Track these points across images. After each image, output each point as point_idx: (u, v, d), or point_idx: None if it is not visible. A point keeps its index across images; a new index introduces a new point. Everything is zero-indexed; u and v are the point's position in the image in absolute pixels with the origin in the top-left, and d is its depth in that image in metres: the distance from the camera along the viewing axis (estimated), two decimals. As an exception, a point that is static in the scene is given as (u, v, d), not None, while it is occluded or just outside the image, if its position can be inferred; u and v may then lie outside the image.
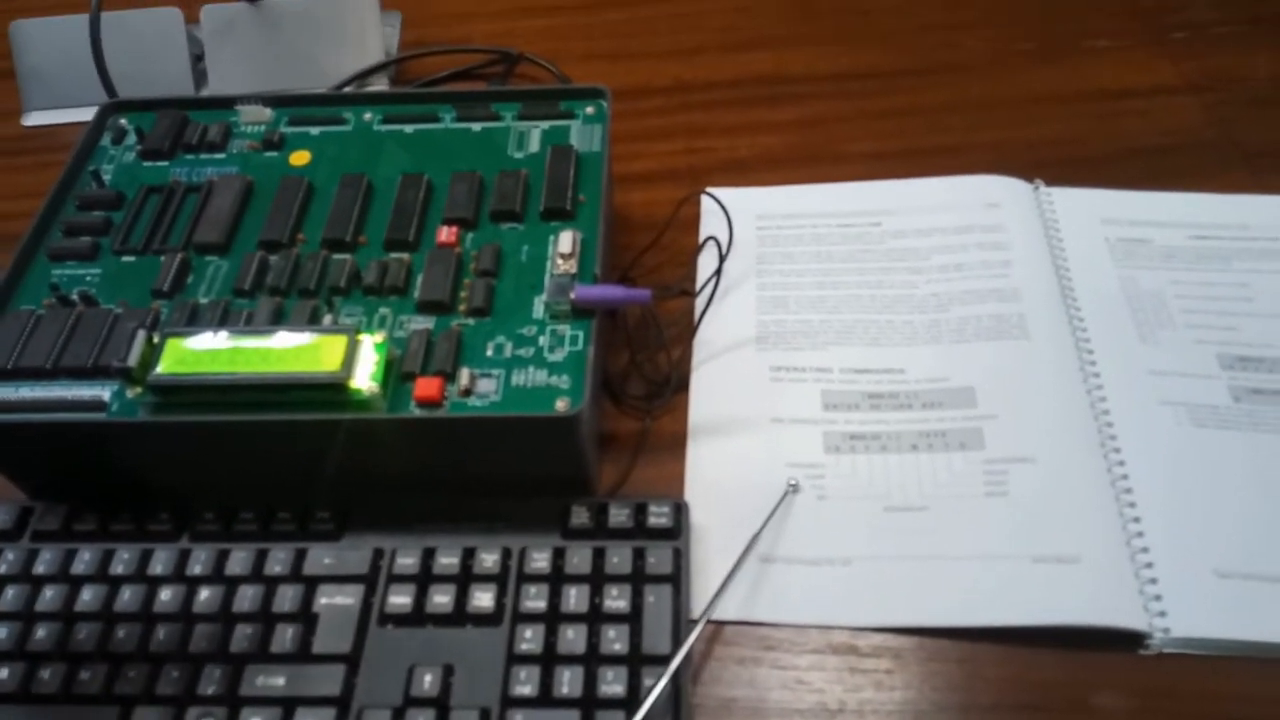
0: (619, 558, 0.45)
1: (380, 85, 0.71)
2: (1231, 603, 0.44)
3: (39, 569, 0.46)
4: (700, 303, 0.56)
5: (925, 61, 0.72)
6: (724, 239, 0.57)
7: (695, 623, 0.43)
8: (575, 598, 0.44)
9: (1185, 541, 0.46)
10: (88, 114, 0.57)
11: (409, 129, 0.56)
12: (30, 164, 0.70)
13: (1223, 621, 0.43)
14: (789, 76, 0.72)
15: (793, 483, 0.49)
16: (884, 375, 0.53)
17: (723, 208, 0.58)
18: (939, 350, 0.54)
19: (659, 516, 0.46)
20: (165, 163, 0.55)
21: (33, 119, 0.73)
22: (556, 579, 0.45)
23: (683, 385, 0.54)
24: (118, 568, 0.45)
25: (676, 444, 0.52)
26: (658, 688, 0.40)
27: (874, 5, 0.77)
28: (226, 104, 0.57)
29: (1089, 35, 0.72)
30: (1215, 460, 0.49)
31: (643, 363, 0.55)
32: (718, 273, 0.55)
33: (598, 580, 0.44)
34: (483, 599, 0.44)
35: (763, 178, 0.65)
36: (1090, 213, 0.60)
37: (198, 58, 0.71)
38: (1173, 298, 0.56)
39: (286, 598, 0.44)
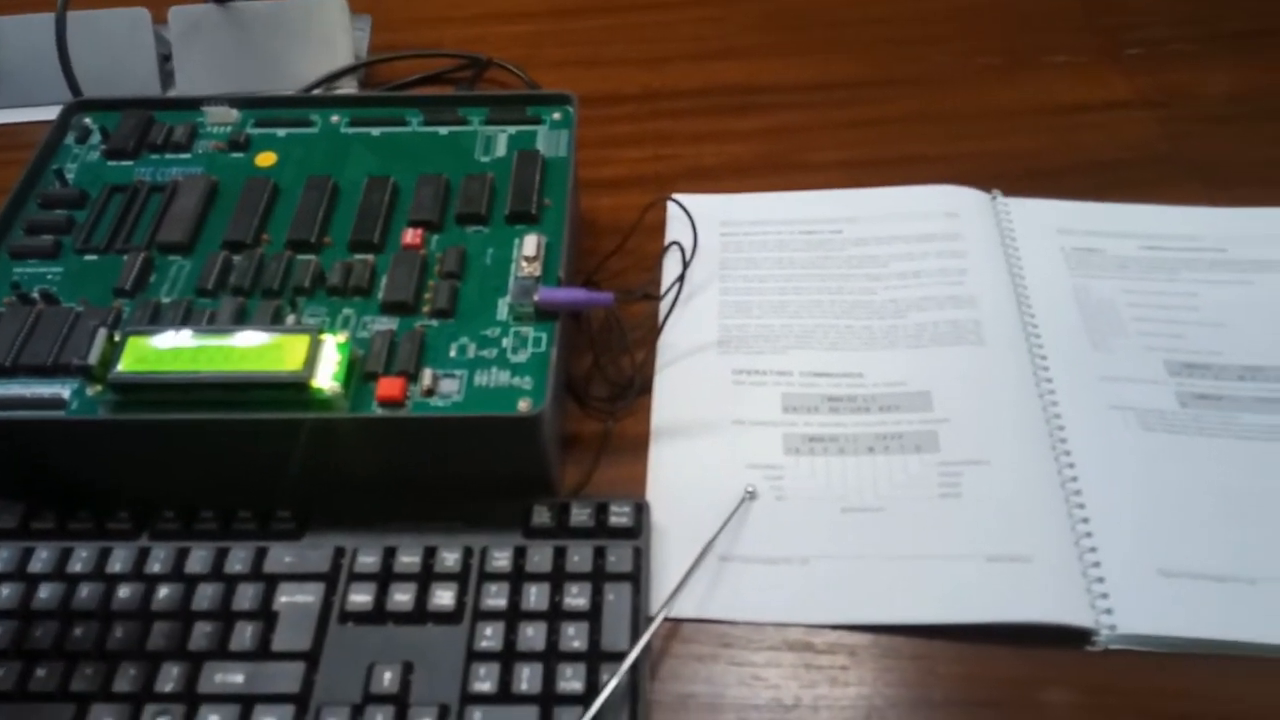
0: (579, 556, 0.46)
1: (349, 89, 0.71)
2: (1175, 601, 0.45)
3: (-5, 567, 0.45)
4: (664, 307, 0.57)
5: (890, 74, 0.73)
6: (689, 245, 0.58)
7: (653, 620, 0.44)
8: (536, 596, 0.44)
9: (1132, 542, 0.47)
10: (52, 113, 0.57)
11: (375, 132, 0.56)
12: (-7, 162, 0.70)
13: (1166, 619, 0.45)
14: (757, 86, 0.73)
15: (750, 489, 0.49)
16: (843, 379, 0.54)
17: (687, 214, 0.59)
18: (897, 355, 0.55)
19: (620, 516, 0.47)
20: (130, 162, 0.55)
21: (-3, 117, 0.72)
22: (517, 577, 0.45)
23: (646, 388, 0.55)
24: (75, 566, 0.45)
25: (639, 445, 0.53)
26: (613, 681, 0.40)
27: (841, 18, 0.78)
28: (192, 105, 0.57)
29: (1049, 50, 0.74)
30: (1162, 463, 0.50)
31: (606, 366, 0.56)
32: (681, 278, 0.56)
33: (558, 579, 0.45)
34: (443, 597, 0.44)
35: (729, 185, 0.66)
36: (1046, 223, 0.62)
37: (165, 58, 0.71)
38: (1124, 306, 0.57)
39: (246, 596, 0.44)
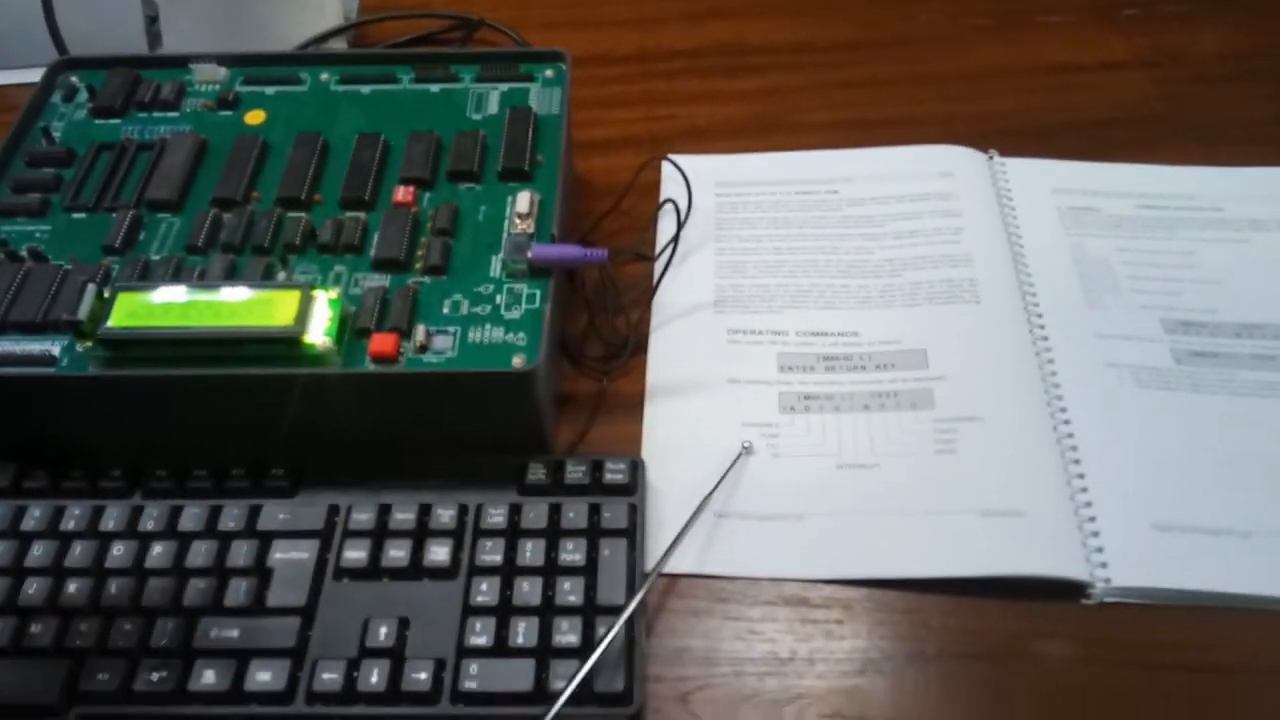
0: (575, 513, 0.45)
1: (339, 50, 0.70)
2: (1169, 554, 0.45)
3: (-13, 526, 0.45)
4: (659, 267, 0.57)
5: (883, 34, 0.73)
6: (683, 205, 0.58)
7: (649, 575, 0.44)
8: (531, 551, 0.44)
9: (1127, 496, 0.47)
10: (37, 75, 0.56)
11: (366, 89, 0.56)
12: (-22, 125, 0.69)
13: (1160, 572, 0.45)
14: (749, 47, 0.72)
15: (746, 444, 0.49)
16: (838, 338, 0.54)
17: (682, 174, 0.59)
18: (892, 314, 0.55)
19: (615, 473, 0.47)
20: (117, 120, 0.54)
21: (-19, 80, 0.71)
22: (512, 534, 0.45)
23: (641, 347, 0.55)
24: (69, 524, 0.45)
25: (634, 405, 0.52)
26: (610, 634, 0.40)
27: (834, -22, 0.78)
28: (180, 63, 0.56)
29: (1042, 11, 0.74)
30: (1156, 419, 0.50)
31: (601, 325, 0.55)
32: (676, 237, 0.56)
33: (553, 535, 0.45)
34: (438, 553, 0.44)
35: (722, 146, 0.65)
36: (1042, 182, 0.61)
37: (152, 19, 0.70)
38: (1119, 264, 0.57)
39: (240, 552, 0.44)
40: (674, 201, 0.55)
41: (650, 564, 0.45)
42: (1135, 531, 0.46)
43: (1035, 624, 0.45)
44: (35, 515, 0.45)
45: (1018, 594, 0.45)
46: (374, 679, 0.41)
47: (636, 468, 0.47)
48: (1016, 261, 0.57)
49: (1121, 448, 0.49)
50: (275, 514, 0.45)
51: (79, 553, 0.44)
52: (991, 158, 0.63)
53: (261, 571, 0.44)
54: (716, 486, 0.47)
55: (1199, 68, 0.69)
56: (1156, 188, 0.61)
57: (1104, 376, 0.52)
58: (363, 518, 0.45)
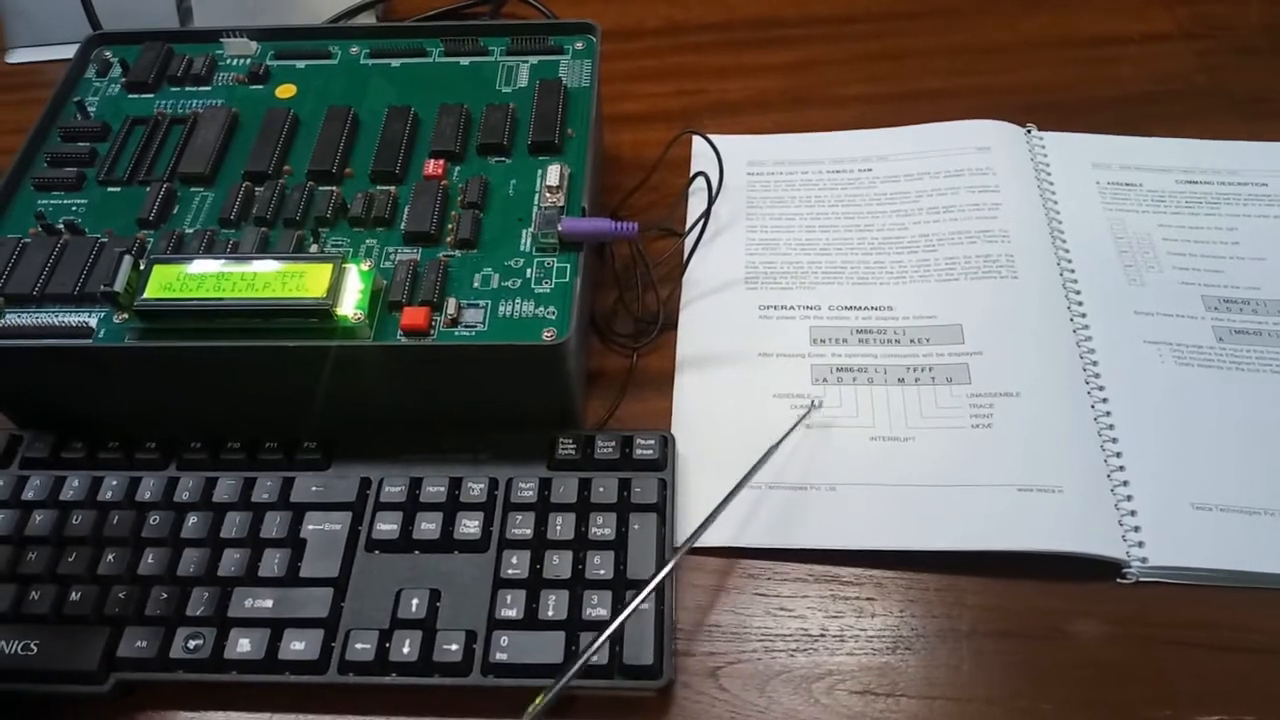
0: (605, 488, 0.45)
1: (367, 23, 0.70)
2: (1207, 533, 0.45)
3: (28, 495, 0.46)
4: (689, 244, 0.56)
5: (917, 6, 0.71)
6: (714, 179, 0.57)
7: (679, 549, 0.43)
8: (561, 525, 0.44)
9: (1164, 475, 0.46)
10: (71, 52, 0.57)
11: (395, 63, 0.55)
12: (12, 101, 0.69)
13: (1198, 551, 0.44)
14: (781, 20, 0.71)
15: (817, 401, 0.49)
16: (872, 312, 0.53)
17: (714, 148, 0.58)
18: (927, 289, 0.54)
19: (645, 449, 0.47)
20: (150, 95, 0.54)
21: (16, 56, 0.72)
22: (543, 508, 0.45)
23: (670, 324, 0.54)
24: (106, 494, 0.46)
25: (663, 381, 0.52)
26: (636, 600, 0.40)
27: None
28: (211, 37, 0.56)
29: (1083, -19, 0.72)
30: (1196, 397, 0.49)
31: (630, 301, 0.55)
32: (707, 213, 0.55)
33: (584, 509, 0.45)
34: (469, 526, 0.44)
35: (753, 120, 0.64)
36: (1081, 157, 0.60)
37: (182, -4, 0.70)
38: (1160, 240, 0.56)
39: (274, 524, 0.45)
40: (706, 175, 0.55)
41: (680, 539, 0.45)
42: (1172, 510, 0.45)
43: (1069, 602, 0.44)
44: (74, 486, 0.46)
45: (1051, 572, 0.44)
46: (406, 649, 0.41)
47: (667, 443, 0.47)
48: (1055, 237, 0.56)
49: (1159, 425, 0.48)
50: (308, 486, 0.46)
51: (116, 522, 0.45)
52: (1029, 132, 0.61)
53: (295, 542, 0.44)
54: (781, 441, 0.47)
55: (1244, 39, 0.67)
56: (1199, 163, 0.60)
57: (1143, 353, 0.51)
58: (394, 490, 0.45)
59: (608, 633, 0.39)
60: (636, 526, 0.44)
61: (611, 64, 0.59)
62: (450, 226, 0.48)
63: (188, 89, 0.55)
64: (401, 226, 0.48)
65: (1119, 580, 0.44)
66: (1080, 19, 0.69)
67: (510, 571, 0.43)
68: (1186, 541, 0.45)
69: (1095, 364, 0.50)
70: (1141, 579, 0.44)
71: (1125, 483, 0.46)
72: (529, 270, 0.47)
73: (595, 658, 0.40)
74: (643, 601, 0.41)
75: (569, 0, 0.72)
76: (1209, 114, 0.63)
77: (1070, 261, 0.55)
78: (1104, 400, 0.49)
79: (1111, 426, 0.48)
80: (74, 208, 0.50)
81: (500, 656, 0.41)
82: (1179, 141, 0.61)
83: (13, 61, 0.72)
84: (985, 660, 0.43)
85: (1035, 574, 0.45)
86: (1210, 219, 0.57)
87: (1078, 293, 0.53)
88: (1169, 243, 0.56)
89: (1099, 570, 0.44)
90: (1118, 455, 0.47)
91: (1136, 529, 0.45)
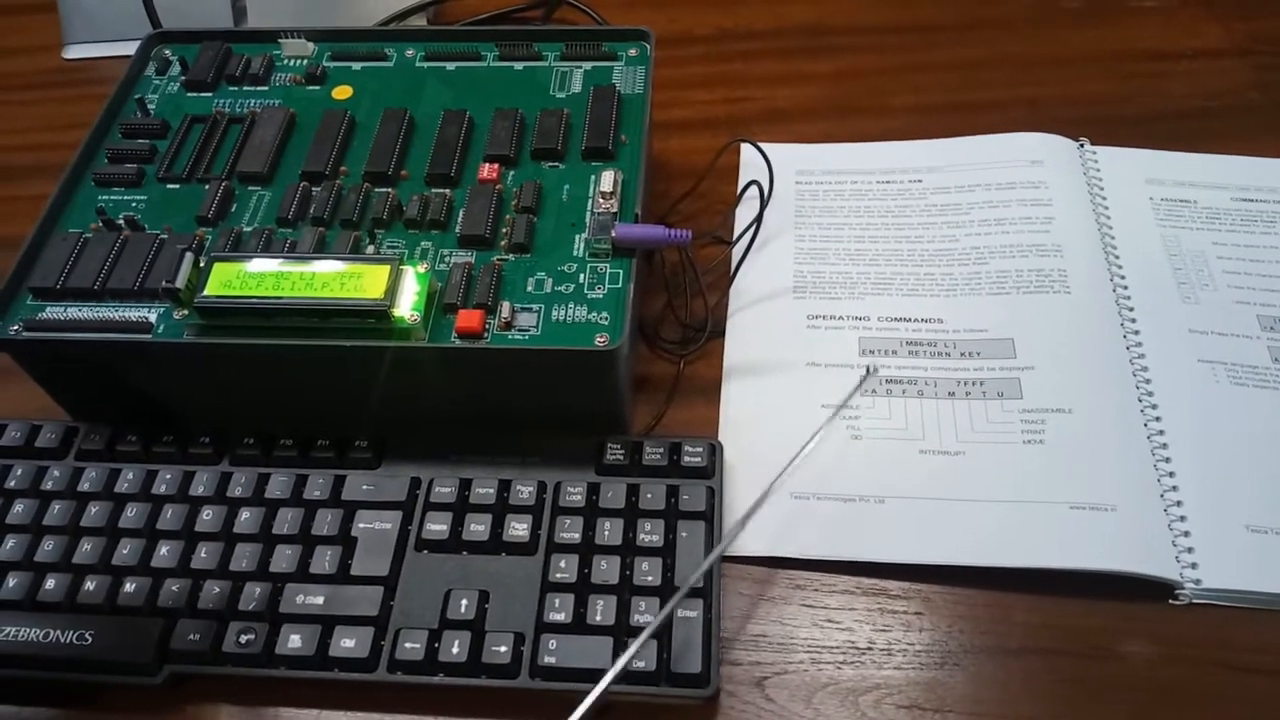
0: (653, 494, 0.45)
1: (419, 25, 0.70)
2: (1261, 556, 0.44)
3: (84, 486, 0.46)
4: (737, 252, 0.56)
5: (968, 17, 0.71)
6: (765, 188, 0.57)
7: (720, 545, 0.43)
8: (609, 531, 0.44)
9: (1218, 496, 0.46)
10: (127, 48, 0.58)
11: (450, 66, 0.56)
12: (70, 96, 0.70)
13: (1253, 574, 0.44)
14: (830, 28, 0.71)
15: (872, 367, 0.50)
16: (922, 324, 0.53)
17: (764, 156, 0.58)
18: (979, 302, 0.54)
19: (693, 456, 0.47)
20: (209, 94, 0.55)
21: (73, 52, 0.73)
22: (591, 512, 0.45)
23: (718, 331, 0.54)
24: (160, 487, 0.46)
25: (711, 388, 0.52)
26: (675, 599, 0.40)
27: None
28: (269, 37, 0.57)
29: (1136, -6, 0.71)
30: (1251, 418, 0.48)
31: (679, 308, 0.55)
32: (758, 220, 0.55)
33: (631, 515, 0.45)
34: (518, 529, 0.45)
35: (802, 128, 0.64)
36: (1135, 172, 0.60)
37: (238, -6, 0.71)
38: (1215, 258, 0.55)
39: (326, 521, 0.45)
40: (758, 183, 0.55)
41: (729, 548, 0.45)
42: (1226, 532, 0.45)
43: (1119, 622, 0.44)
44: (129, 478, 0.47)
45: (1102, 591, 0.44)
46: (455, 649, 0.41)
47: (715, 451, 0.47)
48: (1107, 252, 0.55)
49: (1214, 445, 0.48)
50: (359, 484, 0.46)
51: (170, 516, 0.45)
52: (1082, 145, 0.61)
53: (346, 540, 0.45)
54: (837, 412, 0.47)
55: (1301, 55, 0.66)
56: (1255, 180, 0.59)
57: (1197, 372, 0.50)
58: (444, 491, 0.46)
59: (649, 631, 0.39)
60: (684, 534, 0.44)
61: (660, 70, 0.59)
62: (504, 230, 0.48)
63: (246, 88, 0.55)
64: (456, 230, 0.48)
65: (1171, 601, 0.44)
66: (1133, 33, 0.69)
67: (559, 575, 0.43)
68: (1240, 563, 0.44)
69: (1149, 382, 0.50)
70: (1195, 600, 0.44)
71: (1179, 503, 0.46)
72: (582, 275, 0.47)
73: (643, 664, 0.40)
74: (682, 604, 0.41)
75: (618, 6, 0.73)
76: (1263, 131, 0.62)
77: (1124, 278, 0.54)
78: (1157, 419, 0.48)
79: (1165, 445, 0.48)
80: (134, 204, 0.50)
81: (549, 660, 0.41)
82: (1234, 159, 0.60)
83: (69, 57, 0.73)
84: (1034, 678, 0.42)
85: (1085, 592, 0.44)
86: (1266, 238, 0.56)
87: (1131, 309, 0.53)
88: (1223, 261, 0.55)
89: (1151, 591, 0.44)
90: (1171, 475, 0.47)
91: (1190, 550, 0.44)
